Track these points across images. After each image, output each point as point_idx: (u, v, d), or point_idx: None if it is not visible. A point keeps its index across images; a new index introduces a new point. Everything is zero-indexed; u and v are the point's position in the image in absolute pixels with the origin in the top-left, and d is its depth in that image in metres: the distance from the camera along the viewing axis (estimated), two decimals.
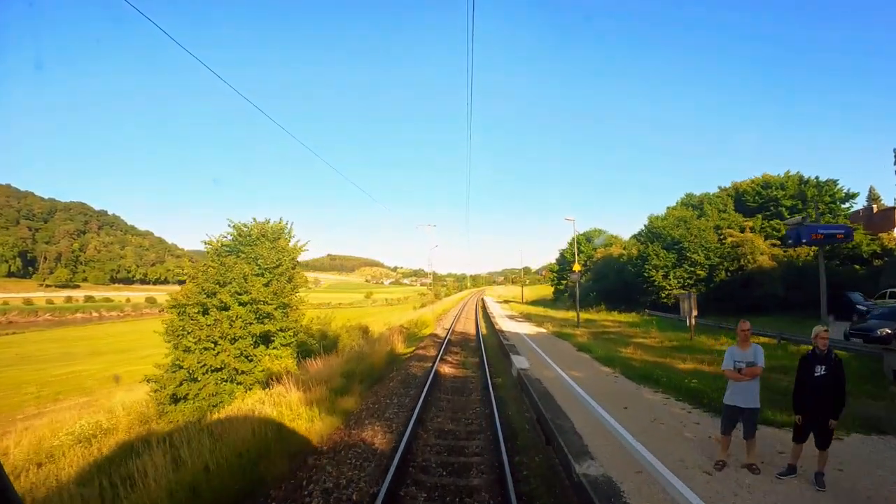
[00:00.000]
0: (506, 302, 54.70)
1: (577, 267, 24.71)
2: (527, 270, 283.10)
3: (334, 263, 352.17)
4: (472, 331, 25.61)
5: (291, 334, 18.61)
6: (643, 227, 47.07)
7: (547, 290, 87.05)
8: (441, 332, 24.62)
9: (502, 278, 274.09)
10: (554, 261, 47.45)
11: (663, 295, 32.81)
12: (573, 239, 43.77)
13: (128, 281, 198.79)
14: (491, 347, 18.94)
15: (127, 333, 76.52)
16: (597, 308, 34.75)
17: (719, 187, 49.43)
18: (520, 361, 14.34)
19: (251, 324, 18.44)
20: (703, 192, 48.58)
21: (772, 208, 41.50)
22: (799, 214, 42.33)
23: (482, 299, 65.10)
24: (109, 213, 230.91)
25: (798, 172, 44.25)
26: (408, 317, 41.64)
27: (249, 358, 18.20)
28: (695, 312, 21.10)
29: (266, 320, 18.66)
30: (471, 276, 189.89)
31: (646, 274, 32.48)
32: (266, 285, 18.72)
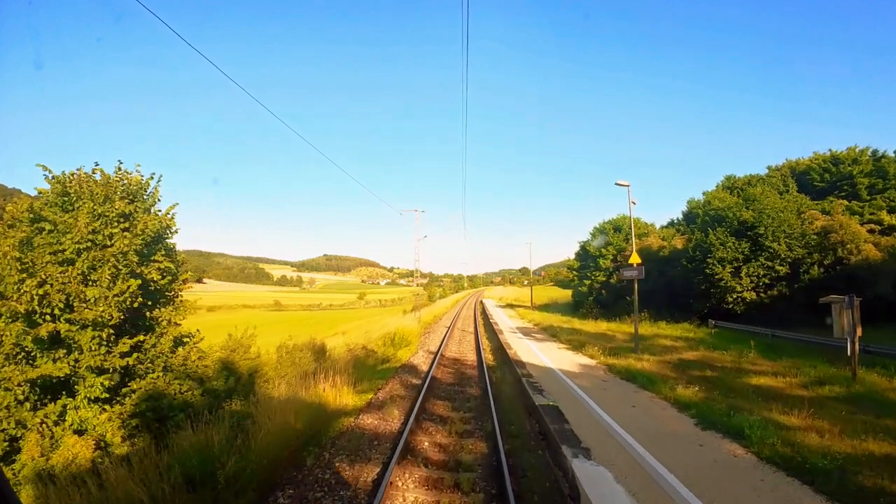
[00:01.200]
0: (510, 306, 44.91)
1: (634, 258, 15.52)
2: (524, 271, 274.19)
3: (330, 263, 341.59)
4: (471, 357, 16.18)
5: (105, 381, 9.20)
6: (682, 213, 37.78)
7: (553, 292, 77.39)
8: (422, 362, 15.22)
9: (499, 279, 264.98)
10: (573, 256, 37.86)
11: (730, 299, 23.47)
12: (597, 227, 34.37)
13: None
14: (511, 409, 9.47)
15: None
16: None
17: (769, 167, 40.45)
18: (603, 493, 5.03)
19: (30, 356, 9.23)
20: (746, 174, 39.67)
21: (846, 188, 32.43)
22: (880, 194, 33.38)
23: (481, 302, 55.52)
24: None
25: (868, 147, 35.38)
26: (392, 324, 32.52)
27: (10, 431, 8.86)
28: (859, 332, 11.85)
29: (60, 351, 9.31)
30: (468, 276, 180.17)
31: (708, 270, 23.14)
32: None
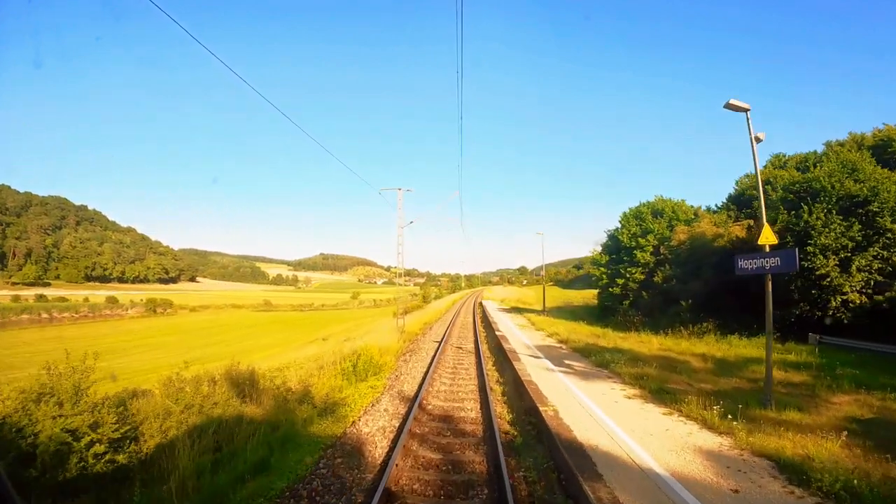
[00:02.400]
0: (516, 310, 37.37)
1: (767, 236, 8.61)
2: (523, 270, 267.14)
3: (327, 263, 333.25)
4: (472, 412, 8.95)
5: None
6: (730, 196, 30.69)
7: (557, 293, 70.37)
8: (381, 427, 8.13)
9: (497, 278, 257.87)
10: (598, 248, 30.05)
11: (834, 303, 16.57)
12: (629, 212, 26.52)
13: (104, 279, 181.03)
14: None
15: (36, 343, 59.22)
16: (695, 328, 18.40)
17: (827, 143, 33.53)
18: None
19: None
20: (798, 153, 32.76)
21: None
22: None
23: (481, 304, 48.32)
24: (90, 208, 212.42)
25: None
26: (374, 330, 26.01)
27: None
28: None
29: None
30: (465, 276, 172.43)
31: (806, 263, 16.23)
32: None
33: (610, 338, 17.49)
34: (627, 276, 24.66)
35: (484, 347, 16.22)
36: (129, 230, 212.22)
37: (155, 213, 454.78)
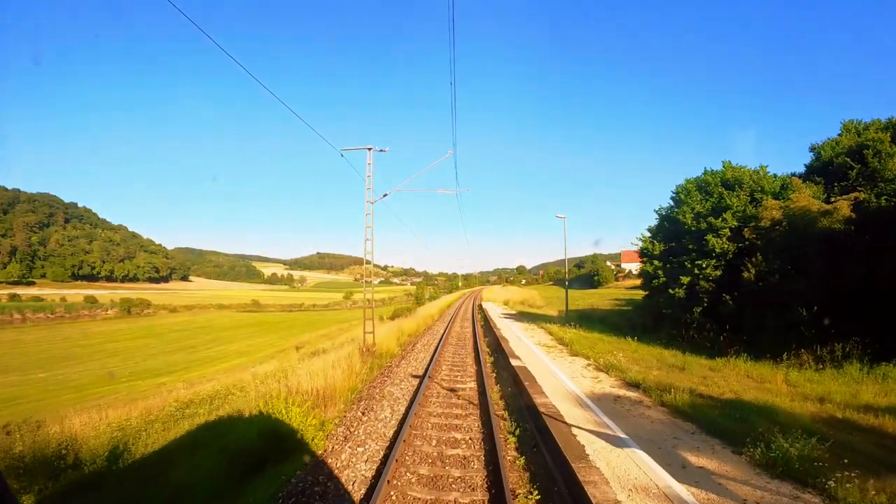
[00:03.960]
0: (526, 317, 29.66)
1: None
2: (521, 269, 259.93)
3: (323, 262, 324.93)
4: None
5: None
6: (807, 166, 23.55)
7: (559, 292, 63.56)
8: None
9: (495, 278, 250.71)
10: (646, 232, 21.73)
11: None
12: (685, 184, 18.21)
13: (91, 278, 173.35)
14: None
15: None
16: (824, 351, 11.61)
17: None
18: None
19: None
20: (876, 119, 26.10)
21: None
22: None
23: (481, 308, 41.31)
24: (80, 205, 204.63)
25: None
26: (336, 354, 19.75)
27: None
28: None
29: None
30: (462, 275, 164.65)
31: None
32: None
33: (696, 371, 10.61)
34: (696, 271, 17.15)
35: (494, 394, 9.33)
36: (120, 228, 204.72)
37: (152, 212, 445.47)
